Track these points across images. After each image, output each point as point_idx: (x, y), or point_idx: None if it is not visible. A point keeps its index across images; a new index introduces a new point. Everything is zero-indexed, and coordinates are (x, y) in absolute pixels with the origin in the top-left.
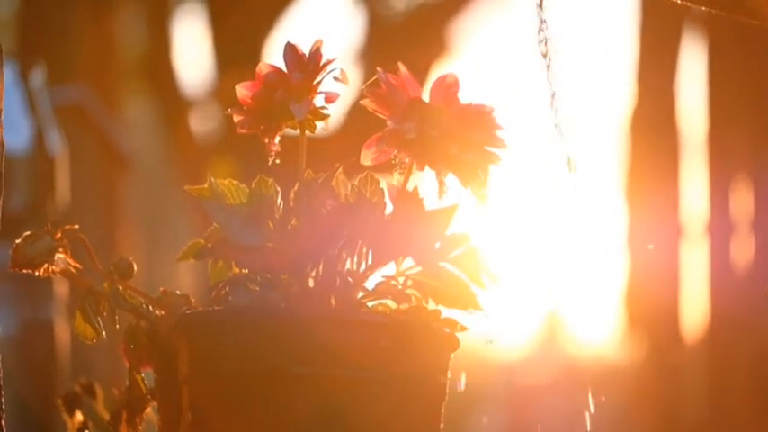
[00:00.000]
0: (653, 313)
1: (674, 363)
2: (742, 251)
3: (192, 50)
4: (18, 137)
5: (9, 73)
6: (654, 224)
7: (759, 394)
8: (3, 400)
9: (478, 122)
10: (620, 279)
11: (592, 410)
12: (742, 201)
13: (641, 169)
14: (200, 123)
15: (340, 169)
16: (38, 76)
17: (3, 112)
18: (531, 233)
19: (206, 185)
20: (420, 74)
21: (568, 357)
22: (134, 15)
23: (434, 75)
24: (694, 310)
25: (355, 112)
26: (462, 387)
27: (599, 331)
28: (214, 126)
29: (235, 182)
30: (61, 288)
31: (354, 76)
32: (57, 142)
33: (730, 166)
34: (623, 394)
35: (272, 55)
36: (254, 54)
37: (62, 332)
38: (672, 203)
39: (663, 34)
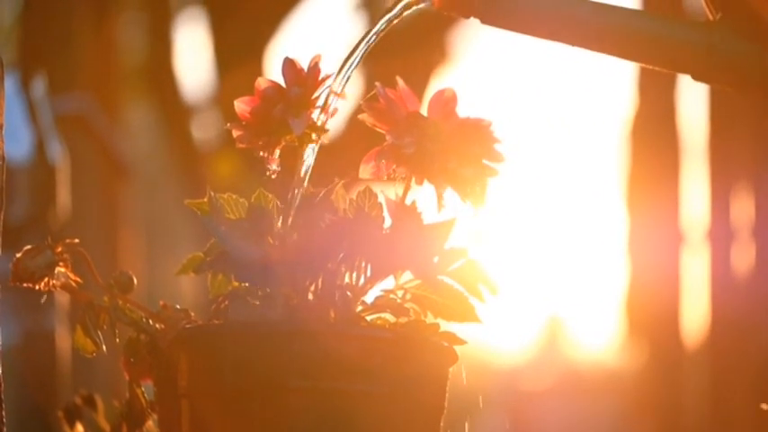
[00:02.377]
0: (654, 319)
1: (674, 368)
2: (743, 257)
3: (193, 58)
4: (19, 146)
5: (10, 82)
6: (655, 230)
7: (760, 401)
8: (3, 413)
9: (477, 136)
10: (622, 285)
11: (592, 416)
12: (743, 206)
13: (642, 175)
14: (202, 131)
15: (339, 183)
16: (39, 86)
17: (3, 126)
18: (533, 240)
19: (205, 199)
20: (420, 81)
21: (569, 362)
22: (135, 23)
23: (435, 81)
24: (695, 315)
25: (355, 120)
26: (464, 392)
27: (600, 337)
28: (216, 134)
29: (234, 195)
30: (62, 298)
31: (354, 83)
32: (58, 152)
33: (731, 172)
34: (624, 399)
35: (274, 61)
36: (256, 61)
37: (63, 343)
38: (673, 209)
39: None
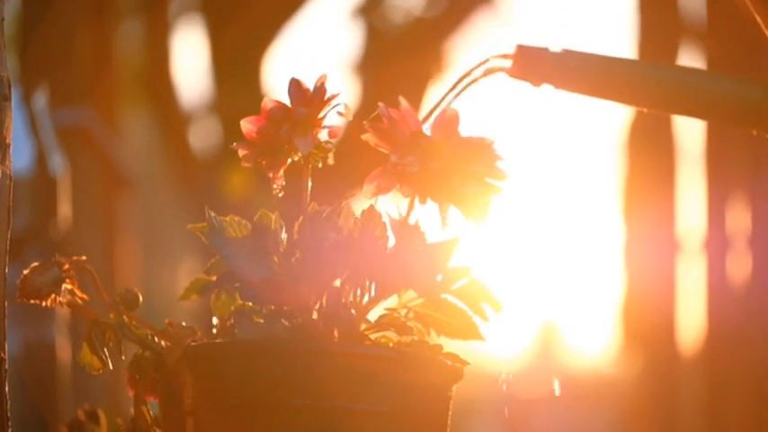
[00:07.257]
0: (650, 327)
1: (670, 377)
2: (739, 266)
3: (192, 67)
4: (20, 159)
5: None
6: (651, 238)
7: (756, 408)
8: None
9: (479, 155)
10: (618, 293)
11: (588, 424)
12: (739, 215)
13: (639, 183)
14: (202, 140)
15: (344, 202)
16: (39, 99)
17: (11, 146)
18: (528, 246)
19: (205, 223)
20: (417, 89)
21: (565, 370)
22: (135, 35)
23: (431, 90)
24: (691, 324)
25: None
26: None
27: (596, 345)
28: (215, 143)
29: (236, 218)
30: (63, 311)
31: (352, 90)
32: (59, 164)
33: (728, 181)
34: (619, 408)
35: (272, 68)
36: (254, 69)
37: (63, 353)
38: (669, 217)
39: (660, 47)
